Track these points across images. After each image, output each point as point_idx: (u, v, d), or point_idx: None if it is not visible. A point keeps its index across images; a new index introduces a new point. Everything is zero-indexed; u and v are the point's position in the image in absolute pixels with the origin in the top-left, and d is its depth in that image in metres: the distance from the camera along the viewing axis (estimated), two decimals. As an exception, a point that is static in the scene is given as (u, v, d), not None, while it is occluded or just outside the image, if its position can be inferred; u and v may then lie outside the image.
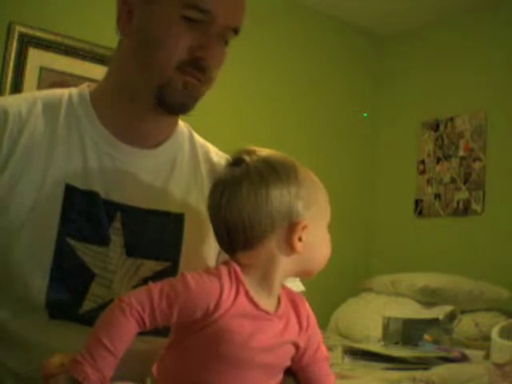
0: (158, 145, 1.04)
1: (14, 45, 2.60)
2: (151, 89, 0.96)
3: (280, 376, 0.85)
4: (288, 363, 0.85)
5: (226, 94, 3.20)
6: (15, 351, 0.90)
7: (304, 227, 0.82)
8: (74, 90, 1.04)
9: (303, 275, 0.86)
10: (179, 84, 0.95)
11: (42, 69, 2.66)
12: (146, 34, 0.96)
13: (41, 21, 2.63)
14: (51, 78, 2.64)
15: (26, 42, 2.63)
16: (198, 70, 0.96)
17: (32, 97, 1.01)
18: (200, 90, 0.98)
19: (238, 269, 0.80)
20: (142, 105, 0.99)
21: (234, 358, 0.77)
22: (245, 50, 3.31)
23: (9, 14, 2.60)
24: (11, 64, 2.60)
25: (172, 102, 0.96)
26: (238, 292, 0.78)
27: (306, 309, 0.88)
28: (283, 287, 0.87)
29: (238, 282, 0.79)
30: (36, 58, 2.65)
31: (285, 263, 0.83)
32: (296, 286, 1.09)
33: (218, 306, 0.75)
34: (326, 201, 0.87)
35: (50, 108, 0.99)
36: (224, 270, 0.79)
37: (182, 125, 1.12)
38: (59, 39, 2.64)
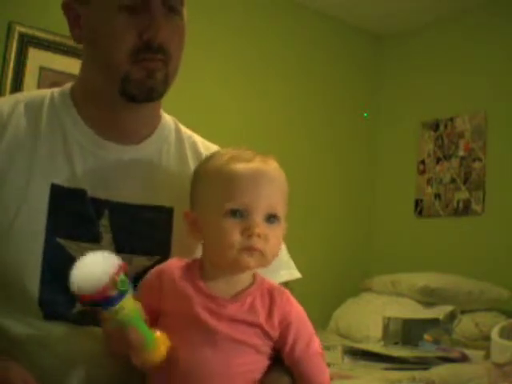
0: (142, 140, 1.03)
1: (14, 45, 2.60)
2: (113, 87, 0.95)
3: (257, 358, 0.86)
4: (256, 342, 0.85)
5: (224, 94, 3.20)
6: (11, 351, 0.90)
7: (191, 215, 0.89)
8: (56, 90, 1.04)
9: (218, 266, 0.87)
10: (140, 74, 0.94)
11: (41, 69, 2.66)
12: (93, 34, 0.96)
13: (41, 21, 2.63)
14: (51, 78, 2.64)
15: (26, 42, 2.63)
16: (154, 52, 0.94)
17: (14, 98, 1.01)
18: (164, 71, 0.96)
19: (194, 261, 0.89)
20: (112, 102, 0.98)
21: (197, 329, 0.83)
22: (243, 49, 3.32)
23: (9, 14, 2.60)
24: (11, 64, 2.60)
25: (138, 93, 0.95)
26: (187, 279, 0.86)
27: (285, 302, 0.88)
28: (265, 281, 0.90)
29: (192, 270, 0.87)
30: (36, 58, 2.65)
31: (202, 251, 0.90)
32: (290, 273, 1.09)
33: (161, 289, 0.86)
34: (220, 189, 0.85)
35: (33, 108, 0.99)
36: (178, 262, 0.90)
37: (168, 117, 1.10)
38: (59, 39, 2.64)
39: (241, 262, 0.83)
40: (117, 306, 0.76)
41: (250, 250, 0.83)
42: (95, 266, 0.77)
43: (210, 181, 0.87)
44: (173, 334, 0.82)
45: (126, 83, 0.94)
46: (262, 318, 0.85)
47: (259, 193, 0.84)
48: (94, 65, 0.99)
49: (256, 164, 0.86)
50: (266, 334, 0.86)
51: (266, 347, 0.87)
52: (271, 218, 0.85)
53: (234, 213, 0.83)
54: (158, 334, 0.79)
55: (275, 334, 0.86)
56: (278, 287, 0.90)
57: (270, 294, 0.88)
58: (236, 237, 0.82)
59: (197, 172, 0.93)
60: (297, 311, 0.89)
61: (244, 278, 0.88)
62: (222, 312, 0.83)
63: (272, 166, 0.88)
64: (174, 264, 0.89)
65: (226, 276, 0.86)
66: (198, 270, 0.87)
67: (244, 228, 0.82)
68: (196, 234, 0.89)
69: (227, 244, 0.82)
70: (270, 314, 0.86)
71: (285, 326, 0.87)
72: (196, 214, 0.89)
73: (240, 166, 0.85)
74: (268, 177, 0.86)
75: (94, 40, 0.97)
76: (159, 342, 0.79)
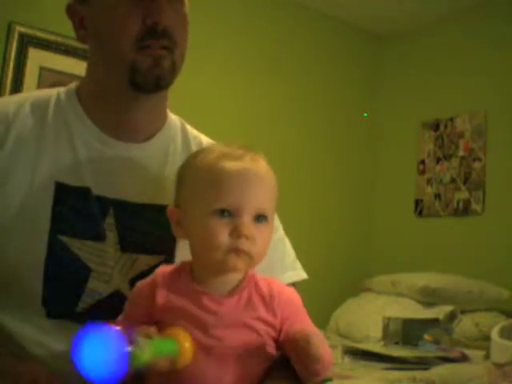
0: (148, 138, 1.03)
1: (14, 45, 2.60)
2: (121, 79, 0.96)
3: (256, 361, 0.84)
4: (257, 341, 0.82)
5: (224, 93, 3.20)
6: (10, 349, 0.90)
7: (176, 212, 0.87)
8: (62, 89, 1.04)
9: (207, 267, 0.84)
10: (146, 62, 0.93)
11: (41, 69, 2.66)
12: (98, 28, 0.97)
13: (41, 21, 2.63)
14: (51, 78, 2.63)
15: (26, 42, 2.63)
16: (158, 37, 0.94)
17: (20, 98, 1.01)
18: (170, 58, 0.96)
19: (183, 264, 0.88)
20: (119, 97, 0.99)
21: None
22: (243, 49, 3.32)
23: (9, 13, 2.59)
24: (11, 64, 2.60)
25: (145, 82, 0.95)
26: (179, 283, 0.85)
27: (286, 296, 0.86)
28: (255, 273, 0.87)
29: (182, 273, 0.86)
30: (36, 58, 2.65)
31: (191, 250, 0.87)
32: (297, 274, 1.08)
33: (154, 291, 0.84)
34: (209, 187, 0.83)
35: (38, 108, 0.99)
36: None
37: (174, 117, 1.10)
38: (59, 39, 2.64)
39: (228, 264, 0.81)
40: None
41: (237, 251, 0.81)
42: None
43: (199, 178, 0.85)
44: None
45: (134, 72, 0.94)
46: (261, 311, 0.83)
47: (249, 192, 0.82)
48: (100, 60, 0.99)
49: (246, 163, 0.84)
50: (268, 324, 0.83)
51: (268, 341, 0.84)
52: (260, 217, 0.83)
53: (222, 212, 0.81)
54: (176, 340, 0.75)
55: (277, 322, 0.84)
56: (272, 279, 0.89)
57: (269, 287, 0.85)
58: (223, 237, 0.80)
59: (184, 168, 0.90)
60: (296, 298, 0.88)
61: (236, 274, 0.85)
62: (220, 310, 0.82)
63: (262, 165, 0.86)
64: (163, 271, 0.87)
65: (217, 275, 0.84)
66: (188, 273, 0.86)
67: (232, 228, 0.80)
68: (180, 231, 0.88)
69: (214, 244, 0.80)
70: (270, 306, 0.84)
71: (292, 321, 0.84)
72: (181, 211, 0.87)
73: (230, 164, 0.83)
74: (258, 176, 0.84)
75: (99, 34, 0.97)
76: (182, 345, 0.75)
